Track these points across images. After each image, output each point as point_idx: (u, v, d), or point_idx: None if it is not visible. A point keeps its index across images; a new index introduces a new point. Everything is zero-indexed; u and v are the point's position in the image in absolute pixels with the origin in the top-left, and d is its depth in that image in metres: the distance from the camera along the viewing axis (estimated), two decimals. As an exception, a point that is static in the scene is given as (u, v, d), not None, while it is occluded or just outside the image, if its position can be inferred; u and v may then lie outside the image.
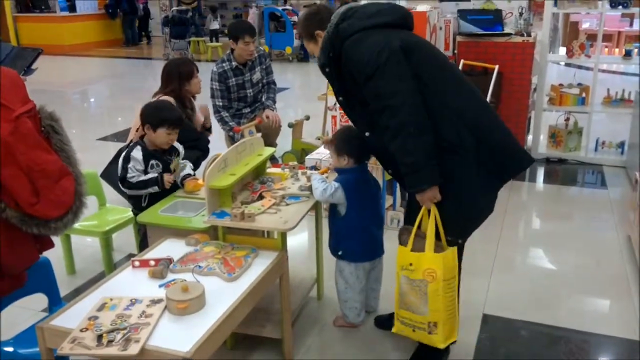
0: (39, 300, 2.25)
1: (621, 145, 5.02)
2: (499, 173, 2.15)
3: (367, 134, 2.26)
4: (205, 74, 4.07)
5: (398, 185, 3.47)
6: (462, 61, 4.72)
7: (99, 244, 3.12)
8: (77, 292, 2.78)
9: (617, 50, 9.99)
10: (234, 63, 4.44)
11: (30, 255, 1.73)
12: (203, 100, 4.11)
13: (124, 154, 2.74)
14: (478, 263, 3.22)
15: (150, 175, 2.70)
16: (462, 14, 4.95)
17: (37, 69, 2.95)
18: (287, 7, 12.68)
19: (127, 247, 3.41)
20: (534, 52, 4.74)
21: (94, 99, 9.25)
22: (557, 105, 5.04)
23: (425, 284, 2.10)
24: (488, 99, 4.36)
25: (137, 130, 3.13)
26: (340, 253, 2.52)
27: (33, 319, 2.31)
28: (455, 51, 5.00)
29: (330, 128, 4.47)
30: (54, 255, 2.03)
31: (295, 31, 10.83)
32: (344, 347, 2.55)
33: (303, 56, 11.54)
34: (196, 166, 3.38)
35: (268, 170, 2.80)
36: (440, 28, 5.12)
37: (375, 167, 3.15)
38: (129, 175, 2.68)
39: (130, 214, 3.14)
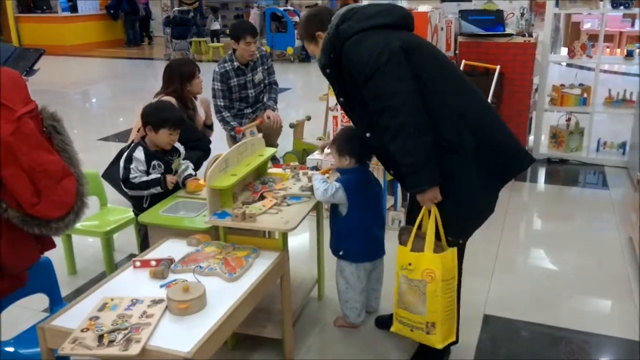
0: (40, 300, 2.25)
1: (623, 145, 5.01)
2: (500, 173, 2.15)
3: (367, 134, 2.26)
4: (206, 74, 4.07)
5: (399, 185, 3.48)
6: (463, 62, 4.72)
7: (100, 244, 3.13)
8: (78, 292, 2.79)
9: (618, 50, 9.99)
10: (236, 63, 4.44)
11: (31, 255, 1.73)
12: (204, 101, 4.10)
13: (125, 154, 2.74)
14: (479, 263, 3.22)
15: (153, 176, 2.70)
16: (464, 14, 4.95)
17: (39, 70, 2.95)
18: (289, 7, 12.69)
19: (128, 247, 3.42)
20: (535, 52, 4.74)
21: (96, 99, 9.26)
22: (558, 105, 5.04)
23: (424, 284, 2.10)
24: (489, 99, 4.36)
25: (138, 131, 3.13)
26: (341, 253, 2.52)
27: (34, 319, 2.31)
28: (457, 52, 5.00)
29: (331, 128, 4.47)
30: (55, 255, 2.03)
31: (296, 32, 10.84)
32: (344, 347, 2.55)
33: (304, 57, 11.54)
34: (197, 166, 3.38)
35: (269, 171, 2.81)
36: (442, 28, 5.12)
37: (376, 167, 3.15)
38: (131, 175, 2.67)
39: (131, 214, 3.14)
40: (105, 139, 6.15)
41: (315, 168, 2.75)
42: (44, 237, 1.72)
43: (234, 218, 2.25)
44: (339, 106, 4.02)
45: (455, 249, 2.15)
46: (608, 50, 9.63)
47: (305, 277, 2.85)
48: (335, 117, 4.35)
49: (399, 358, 2.46)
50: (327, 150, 2.64)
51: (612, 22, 10.08)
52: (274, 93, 4.73)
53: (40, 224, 1.62)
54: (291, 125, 4.78)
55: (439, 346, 2.16)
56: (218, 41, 12.87)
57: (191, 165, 2.90)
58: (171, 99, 3.49)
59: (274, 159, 3.97)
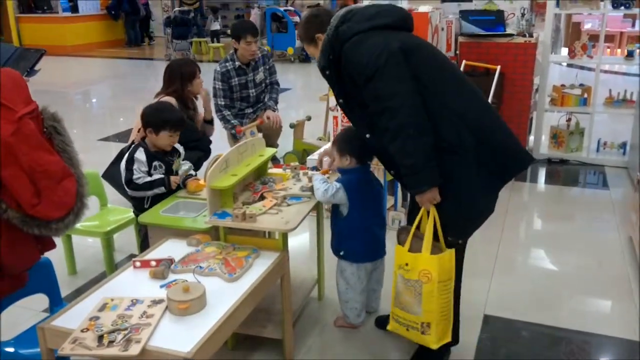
0: (40, 300, 2.25)
1: (623, 146, 5.01)
2: (500, 173, 2.14)
3: (367, 135, 2.26)
4: (207, 74, 4.07)
5: (400, 185, 3.48)
6: (464, 62, 4.72)
7: (100, 245, 3.13)
8: (78, 293, 2.79)
9: (619, 50, 9.98)
10: (237, 63, 4.45)
11: (31, 256, 1.73)
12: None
13: (126, 156, 2.73)
14: (479, 263, 3.22)
15: (156, 176, 2.71)
16: (464, 14, 4.95)
17: (40, 70, 2.95)
18: (289, 7, 12.70)
19: (129, 247, 3.42)
20: (535, 52, 4.74)
21: (96, 100, 9.27)
22: (558, 105, 5.04)
23: (420, 285, 2.10)
24: (490, 99, 4.36)
25: (138, 131, 3.13)
26: (342, 253, 2.52)
27: (34, 319, 2.31)
28: (457, 52, 5.00)
29: (331, 129, 4.47)
30: (55, 255, 2.03)
31: (296, 32, 10.84)
32: (344, 347, 2.55)
33: (305, 57, 11.54)
34: (198, 167, 3.38)
35: (269, 171, 2.81)
36: (442, 29, 5.12)
37: (377, 167, 3.16)
38: (134, 176, 2.67)
39: (131, 214, 3.14)
40: (106, 139, 6.16)
41: (316, 168, 2.75)
42: (44, 237, 1.72)
43: (234, 218, 2.26)
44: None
45: (453, 251, 2.15)
46: (608, 50, 9.62)
47: (306, 277, 2.85)
48: (335, 118, 4.35)
49: (399, 358, 2.46)
50: (325, 159, 2.65)
51: (612, 23, 10.07)
52: (275, 93, 4.73)
53: (40, 224, 1.62)
54: (291, 126, 4.78)
55: (434, 346, 2.16)
56: (218, 41, 12.87)
57: (190, 165, 2.90)
58: (171, 99, 3.49)
59: (274, 159, 3.98)
